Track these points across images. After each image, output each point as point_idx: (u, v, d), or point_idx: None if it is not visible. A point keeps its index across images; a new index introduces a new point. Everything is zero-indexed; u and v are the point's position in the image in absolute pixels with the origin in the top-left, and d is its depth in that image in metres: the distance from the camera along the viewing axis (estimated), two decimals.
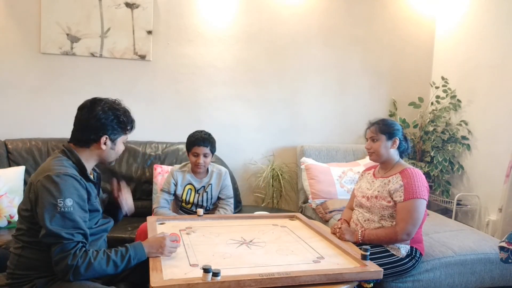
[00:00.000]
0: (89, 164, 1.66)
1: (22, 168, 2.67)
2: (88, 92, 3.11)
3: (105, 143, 1.63)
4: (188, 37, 3.29)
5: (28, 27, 3.00)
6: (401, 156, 2.13)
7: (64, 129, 3.08)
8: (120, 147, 1.71)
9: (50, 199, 1.44)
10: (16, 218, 2.48)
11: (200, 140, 2.37)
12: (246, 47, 3.41)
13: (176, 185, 2.45)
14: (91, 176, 1.66)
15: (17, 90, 3.03)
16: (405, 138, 2.13)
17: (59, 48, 3.04)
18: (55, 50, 3.04)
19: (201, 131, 2.44)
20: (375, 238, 1.98)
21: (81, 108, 1.66)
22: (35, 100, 3.07)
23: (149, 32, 3.17)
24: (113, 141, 1.66)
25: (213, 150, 2.43)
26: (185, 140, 3.16)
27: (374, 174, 2.18)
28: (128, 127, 1.70)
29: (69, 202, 1.46)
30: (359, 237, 1.99)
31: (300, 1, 3.48)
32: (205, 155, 2.39)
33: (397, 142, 2.06)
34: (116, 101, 1.69)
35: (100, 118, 1.61)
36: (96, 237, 1.67)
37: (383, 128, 2.06)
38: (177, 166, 2.53)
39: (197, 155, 2.38)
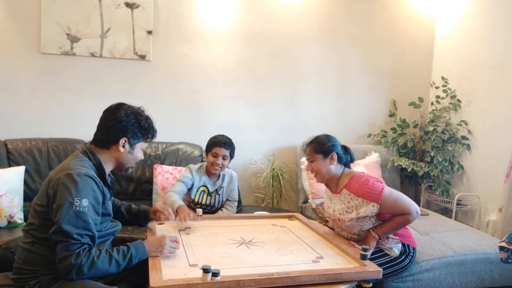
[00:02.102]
0: (107, 167, 1.68)
1: (22, 168, 2.67)
2: (88, 92, 3.14)
3: (123, 146, 1.66)
4: (188, 37, 3.29)
5: (28, 27, 3.00)
6: (348, 166, 2.10)
7: (64, 129, 3.10)
8: (138, 153, 1.73)
9: (67, 196, 1.46)
10: (16, 218, 2.50)
11: (222, 142, 2.43)
12: (246, 47, 3.41)
13: (193, 183, 2.47)
14: (108, 180, 1.69)
15: (17, 90, 3.03)
16: (345, 150, 2.10)
17: (59, 48, 3.05)
18: (55, 50, 3.04)
19: (223, 135, 2.50)
20: (389, 230, 1.95)
21: (106, 111, 1.71)
22: (35, 100, 3.07)
23: (149, 32, 3.17)
24: (131, 145, 1.68)
25: (232, 155, 2.48)
26: (185, 140, 3.20)
27: (329, 189, 2.13)
28: (149, 135, 1.73)
29: (85, 202, 1.48)
30: (375, 236, 1.95)
31: (300, 1, 3.48)
32: (223, 157, 2.43)
33: (335, 157, 2.02)
34: (140, 108, 1.74)
35: (121, 121, 1.65)
36: (103, 239, 1.68)
37: (317, 148, 2.04)
38: (194, 166, 2.55)
39: (216, 156, 2.43)
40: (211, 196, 2.51)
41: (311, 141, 2.10)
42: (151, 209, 2.00)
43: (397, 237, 2.01)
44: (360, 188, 1.92)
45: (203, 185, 2.49)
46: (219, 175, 2.54)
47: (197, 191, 2.48)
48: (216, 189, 2.52)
